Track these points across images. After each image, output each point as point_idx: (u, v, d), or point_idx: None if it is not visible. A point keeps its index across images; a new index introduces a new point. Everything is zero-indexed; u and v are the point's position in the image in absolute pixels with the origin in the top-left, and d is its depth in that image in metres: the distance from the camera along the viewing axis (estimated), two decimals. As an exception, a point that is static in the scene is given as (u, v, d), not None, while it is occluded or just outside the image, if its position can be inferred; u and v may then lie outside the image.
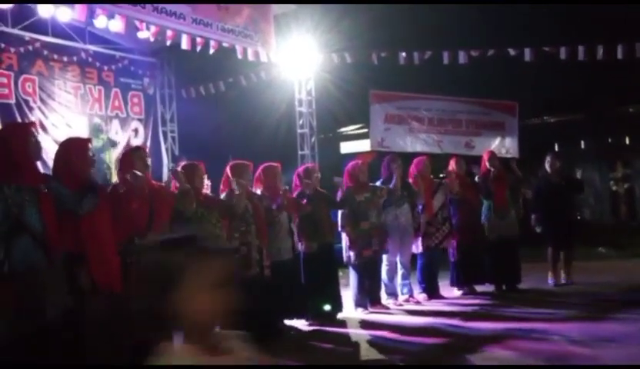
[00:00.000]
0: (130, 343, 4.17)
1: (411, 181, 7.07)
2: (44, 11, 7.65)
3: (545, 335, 4.94)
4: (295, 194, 6.27)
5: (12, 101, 7.68)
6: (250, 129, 11.93)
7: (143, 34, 8.17)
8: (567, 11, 11.07)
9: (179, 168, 5.33)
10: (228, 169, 5.48)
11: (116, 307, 4.09)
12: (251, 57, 9.02)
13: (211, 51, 8.46)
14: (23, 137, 3.74)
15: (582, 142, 14.80)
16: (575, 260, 7.67)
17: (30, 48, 7.98)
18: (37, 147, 3.82)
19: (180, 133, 10.32)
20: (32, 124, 4.08)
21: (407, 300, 6.85)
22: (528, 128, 12.49)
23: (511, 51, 9.54)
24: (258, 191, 5.82)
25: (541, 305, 6.38)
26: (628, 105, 13.05)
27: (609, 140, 14.61)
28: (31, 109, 7.90)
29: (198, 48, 8.29)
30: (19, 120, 7.54)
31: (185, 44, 8.11)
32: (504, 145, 11.21)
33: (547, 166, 7.70)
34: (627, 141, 13.97)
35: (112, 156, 9.00)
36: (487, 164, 7.45)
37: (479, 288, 7.30)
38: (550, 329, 5.13)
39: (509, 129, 11.38)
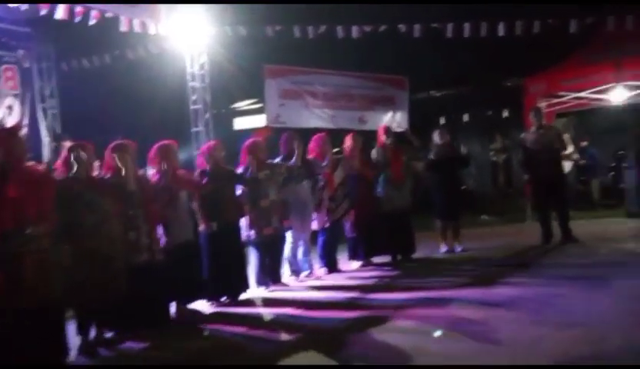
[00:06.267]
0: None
1: (312, 156, 7.09)
2: None
3: (443, 302, 5.19)
4: (196, 173, 6.08)
5: None
6: (140, 105, 11.36)
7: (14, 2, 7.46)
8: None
9: (65, 150, 4.94)
10: (109, 149, 5.14)
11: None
12: (137, 28, 8.53)
13: (92, 21, 7.89)
14: None
15: (465, 115, 15.60)
16: (462, 228, 8.13)
17: None
18: None
19: (62, 110, 9.58)
20: None
21: (308, 276, 6.91)
22: (417, 102, 12.94)
23: (402, 28, 9.76)
24: (150, 172, 5.60)
25: (436, 273, 6.70)
26: (506, 80, 13.88)
27: (489, 113, 15.52)
28: None
29: (78, 19, 7.71)
30: None
31: (60, 14, 7.50)
32: (395, 119, 11.55)
33: (436, 139, 8.04)
34: (505, 114, 14.89)
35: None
36: (382, 138, 7.63)
37: (376, 260, 7.51)
38: (447, 296, 5.39)
39: (399, 103, 11.73)
